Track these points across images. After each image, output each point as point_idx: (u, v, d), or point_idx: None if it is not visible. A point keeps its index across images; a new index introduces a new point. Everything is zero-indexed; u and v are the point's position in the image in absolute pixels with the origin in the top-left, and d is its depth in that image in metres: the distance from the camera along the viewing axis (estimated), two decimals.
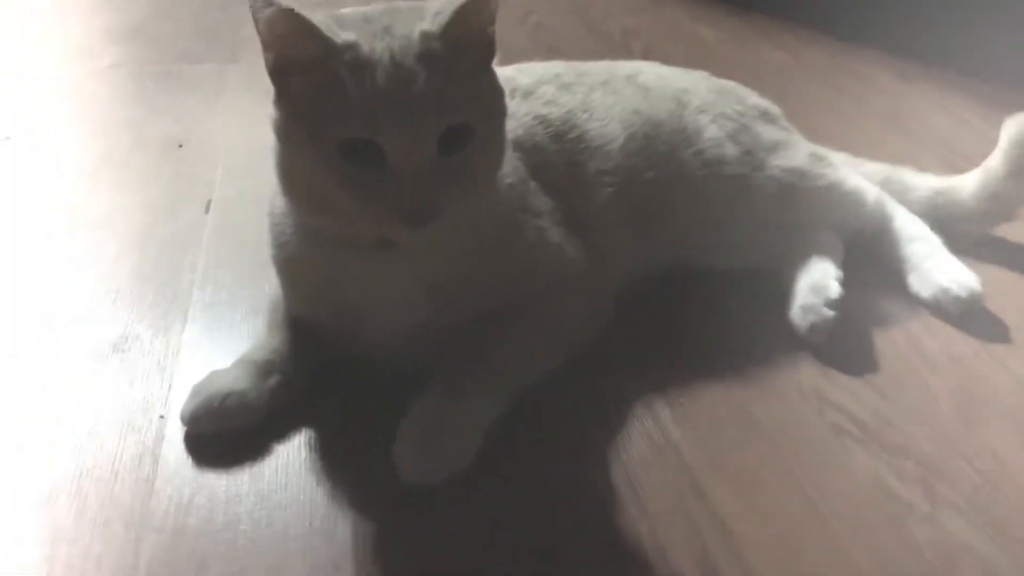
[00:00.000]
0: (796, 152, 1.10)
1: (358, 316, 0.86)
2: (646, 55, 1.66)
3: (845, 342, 0.98)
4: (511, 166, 0.89)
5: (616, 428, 0.87)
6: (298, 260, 0.86)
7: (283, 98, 0.78)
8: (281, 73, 0.77)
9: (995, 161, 1.15)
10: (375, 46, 0.74)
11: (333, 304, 0.86)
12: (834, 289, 0.99)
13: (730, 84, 1.17)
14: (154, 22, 1.97)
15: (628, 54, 1.73)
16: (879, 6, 1.95)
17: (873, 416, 0.89)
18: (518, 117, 0.96)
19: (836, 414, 0.89)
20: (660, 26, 1.98)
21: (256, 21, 0.74)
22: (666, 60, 1.21)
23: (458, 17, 0.75)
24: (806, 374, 0.95)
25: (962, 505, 0.79)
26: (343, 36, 0.74)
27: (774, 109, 1.16)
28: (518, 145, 0.93)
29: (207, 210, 1.24)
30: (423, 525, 0.77)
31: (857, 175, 1.15)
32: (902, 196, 1.18)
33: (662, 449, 0.85)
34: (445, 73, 0.74)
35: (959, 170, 1.21)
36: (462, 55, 0.76)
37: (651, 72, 1.14)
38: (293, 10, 0.73)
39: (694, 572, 0.73)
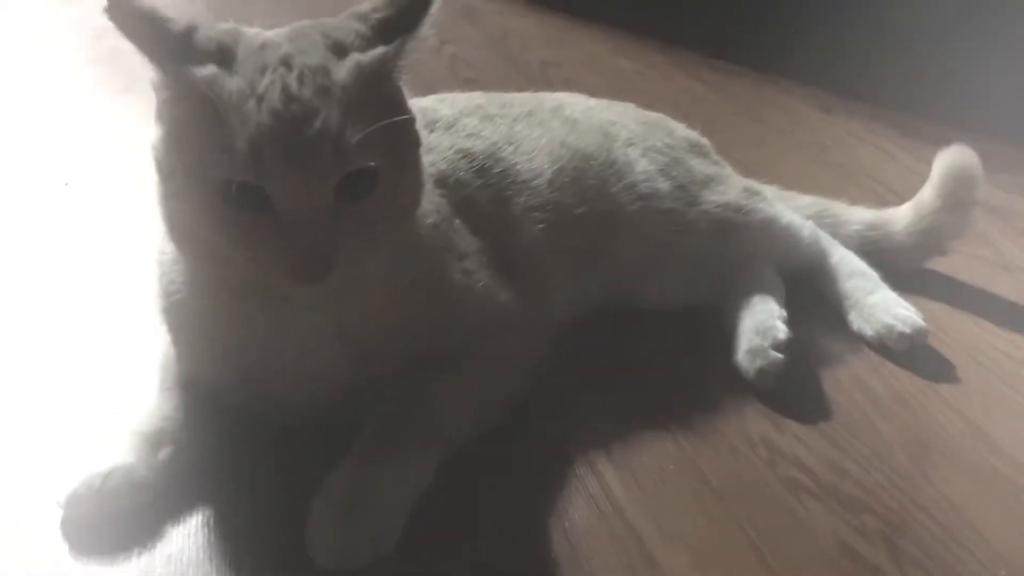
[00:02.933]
0: (729, 187, 1.07)
1: (263, 374, 0.76)
2: (567, 86, 1.61)
3: (790, 385, 0.93)
4: (433, 204, 0.82)
5: (557, 492, 0.79)
6: (190, 312, 0.76)
7: (161, 121, 0.68)
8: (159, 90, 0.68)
9: (927, 194, 1.13)
10: (262, 78, 0.65)
11: (233, 361, 0.76)
12: (781, 330, 0.94)
13: (657, 116, 1.14)
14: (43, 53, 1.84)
15: (549, 85, 1.68)
16: (798, 39, 1.96)
17: (827, 467, 0.84)
18: (440, 151, 0.89)
19: (789, 467, 0.84)
20: (579, 58, 1.96)
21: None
22: (587, 92, 1.17)
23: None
24: (754, 422, 0.89)
25: (927, 563, 0.74)
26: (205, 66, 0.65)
27: (703, 142, 1.13)
28: (441, 181, 0.86)
29: (93, 255, 1.12)
30: None
31: (790, 210, 1.12)
32: (835, 230, 1.15)
33: (607, 515, 0.77)
34: (348, 109, 0.65)
35: (887, 202, 1.19)
36: (374, 90, 0.68)
37: (577, 104, 1.10)
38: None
39: None
